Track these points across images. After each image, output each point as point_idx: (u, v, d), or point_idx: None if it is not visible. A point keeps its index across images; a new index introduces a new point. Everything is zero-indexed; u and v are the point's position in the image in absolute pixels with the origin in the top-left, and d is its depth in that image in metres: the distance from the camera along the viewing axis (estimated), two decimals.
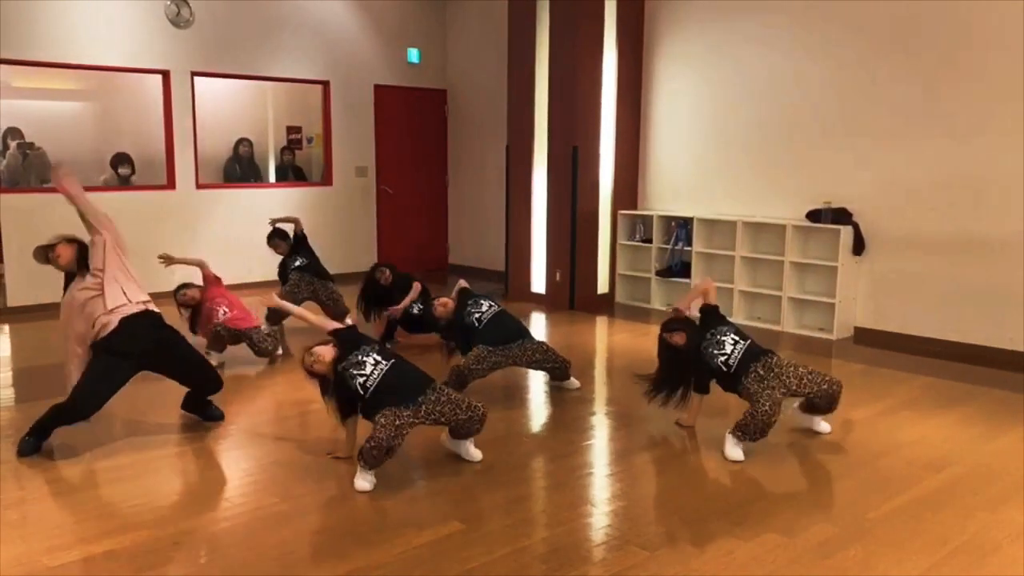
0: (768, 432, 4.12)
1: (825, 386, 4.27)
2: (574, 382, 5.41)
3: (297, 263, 6.64)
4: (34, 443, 4.10)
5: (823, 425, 4.53)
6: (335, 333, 4.04)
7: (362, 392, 3.80)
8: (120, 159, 8.77)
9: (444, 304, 5.37)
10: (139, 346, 4.17)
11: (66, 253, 4.23)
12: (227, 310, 5.80)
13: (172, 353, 4.36)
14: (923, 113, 6.39)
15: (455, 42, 10.27)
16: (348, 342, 3.96)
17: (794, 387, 4.22)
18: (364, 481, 3.73)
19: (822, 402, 4.34)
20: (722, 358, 4.30)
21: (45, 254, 4.25)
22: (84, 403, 4.07)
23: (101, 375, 4.10)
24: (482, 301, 5.30)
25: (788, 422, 4.50)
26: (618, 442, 4.54)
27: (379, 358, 3.87)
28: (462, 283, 5.62)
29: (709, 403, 4.55)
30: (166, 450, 4.25)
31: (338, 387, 3.89)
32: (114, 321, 4.10)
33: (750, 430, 4.11)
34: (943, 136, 6.30)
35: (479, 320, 5.19)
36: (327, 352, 3.89)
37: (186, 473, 4.07)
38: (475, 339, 5.14)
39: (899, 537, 3.31)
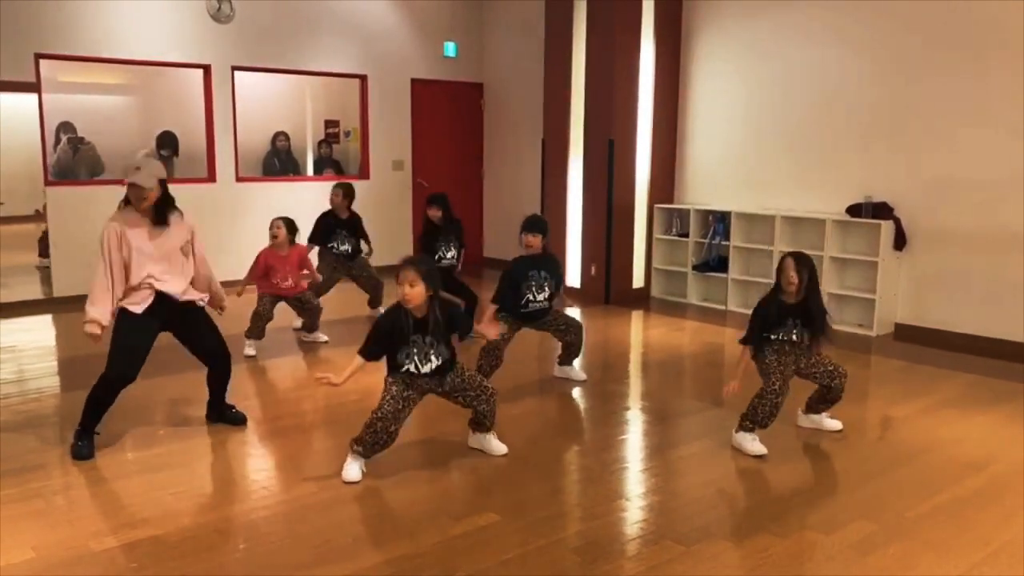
0: (777, 413, 4.07)
1: (831, 368, 4.25)
2: (580, 373, 5.39)
3: (341, 247, 6.88)
4: (88, 445, 4.03)
5: (833, 423, 4.44)
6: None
7: (401, 364, 3.75)
8: (163, 141, 8.95)
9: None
10: (163, 312, 4.12)
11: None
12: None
13: (194, 317, 4.28)
14: (966, 107, 6.27)
15: (492, 36, 10.27)
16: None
17: (802, 366, 4.19)
18: (354, 469, 3.74)
19: (829, 393, 4.30)
20: (782, 336, 4.16)
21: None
22: (125, 366, 4.01)
23: (130, 336, 4.03)
24: (541, 291, 5.11)
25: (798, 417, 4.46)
26: (653, 437, 4.53)
27: (434, 366, 3.78)
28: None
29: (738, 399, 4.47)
30: (206, 439, 4.32)
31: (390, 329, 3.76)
32: (148, 298, 4.05)
33: (759, 414, 4.06)
34: (986, 130, 6.17)
35: (527, 303, 5.07)
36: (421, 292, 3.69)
37: (226, 462, 4.14)
38: (508, 309, 5.07)
39: (940, 536, 3.26)
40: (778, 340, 4.16)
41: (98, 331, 3.96)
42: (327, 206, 7.01)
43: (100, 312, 3.96)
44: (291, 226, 6.09)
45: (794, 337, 4.15)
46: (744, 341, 4.25)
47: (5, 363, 5.79)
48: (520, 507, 3.52)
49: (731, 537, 3.26)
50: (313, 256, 6.69)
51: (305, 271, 6.22)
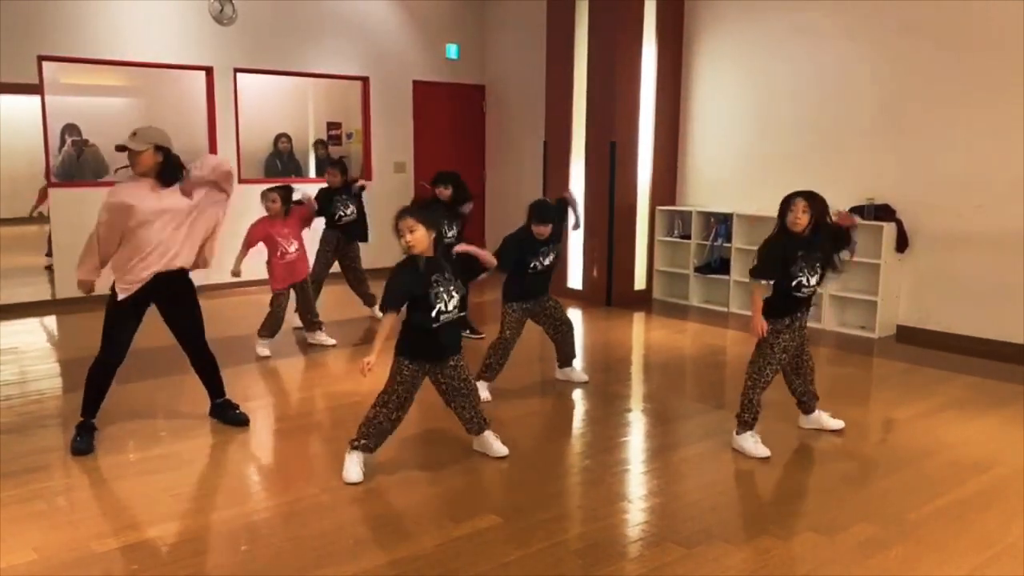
0: (762, 393, 4.07)
1: (806, 359, 4.26)
2: (582, 375, 5.39)
3: (345, 212, 6.92)
4: (86, 440, 4.08)
5: (834, 422, 4.44)
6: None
7: (431, 317, 3.68)
8: None
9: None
10: (154, 292, 4.19)
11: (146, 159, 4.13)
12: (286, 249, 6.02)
13: (181, 290, 4.30)
14: (968, 109, 6.26)
15: (494, 38, 10.28)
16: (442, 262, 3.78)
17: (793, 351, 4.15)
18: (355, 470, 3.73)
19: (804, 386, 4.31)
20: (803, 280, 4.02)
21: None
22: (114, 349, 4.13)
23: (119, 322, 4.15)
24: (551, 252, 5.08)
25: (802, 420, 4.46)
26: (654, 439, 4.52)
27: (457, 301, 3.75)
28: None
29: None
30: (207, 441, 4.32)
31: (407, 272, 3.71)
32: (140, 282, 4.11)
33: (755, 403, 4.05)
34: (988, 132, 6.16)
35: (535, 268, 5.00)
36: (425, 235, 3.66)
37: (227, 463, 4.14)
38: (513, 283, 5.05)
39: (942, 538, 3.26)
40: (791, 319, 4.06)
41: (88, 290, 4.28)
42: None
43: (86, 271, 4.24)
44: (286, 195, 6.06)
45: (814, 279, 4.02)
46: (761, 275, 4.05)
47: (7, 365, 5.79)
48: (521, 509, 3.52)
49: (733, 539, 3.25)
50: (314, 248, 6.76)
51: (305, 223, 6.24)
